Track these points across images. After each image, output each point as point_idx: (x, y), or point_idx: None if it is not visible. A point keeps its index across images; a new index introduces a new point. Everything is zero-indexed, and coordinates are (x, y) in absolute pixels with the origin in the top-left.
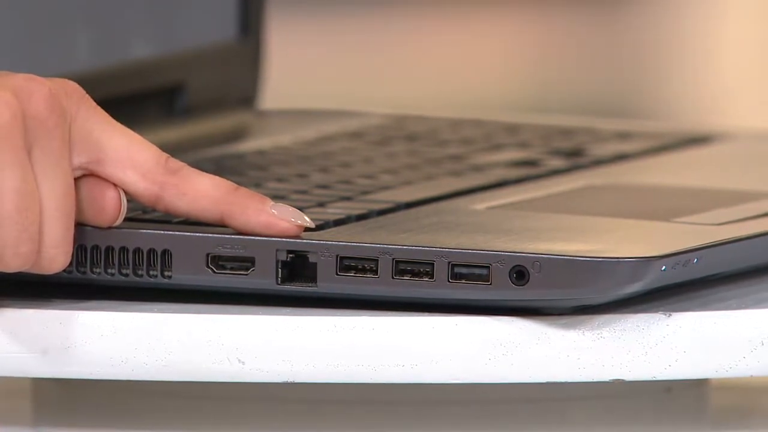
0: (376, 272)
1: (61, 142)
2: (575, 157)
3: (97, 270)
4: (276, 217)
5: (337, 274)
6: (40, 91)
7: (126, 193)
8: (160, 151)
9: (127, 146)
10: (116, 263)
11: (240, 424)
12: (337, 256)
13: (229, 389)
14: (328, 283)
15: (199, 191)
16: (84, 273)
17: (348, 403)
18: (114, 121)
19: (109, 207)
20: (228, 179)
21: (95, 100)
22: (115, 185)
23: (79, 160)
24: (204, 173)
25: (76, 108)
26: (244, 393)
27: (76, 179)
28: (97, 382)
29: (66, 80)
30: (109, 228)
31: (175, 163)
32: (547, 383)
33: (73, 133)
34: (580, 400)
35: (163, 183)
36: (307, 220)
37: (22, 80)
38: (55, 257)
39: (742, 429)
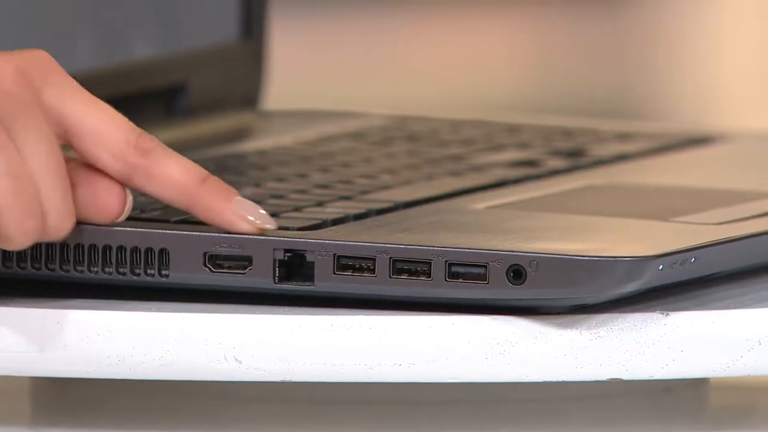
0: (373, 271)
1: (38, 114)
2: (575, 157)
3: (95, 269)
4: (239, 217)
5: (335, 273)
6: (5, 70)
7: (98, 167)
8: (132, 127)
9: (99, 122)
10: (114, 262)
11: (237, 423)
12: (334, 255)
13: (226, 388)
14: (325, 282)
15: (168, 177)
16: (81, 272)
17: (344, 402)
18: (85, 92)
19: (114, 204)
20: (226, 179)
21: None
22: (121, 185)
23: (54, 129)
24: (175, 155)
25: (44, 77)
26: (241, 392)
27: (79, 174)
28: (94, 381)
29: (35, 51)
30: (111, 225)
31: (148, 141)
32: (545, 383)
33: (45, 102)
34: (578, 400)
35: (133, 164)
36: (271, 223)
37: None
38: (61, 224)
39: (741, 429)
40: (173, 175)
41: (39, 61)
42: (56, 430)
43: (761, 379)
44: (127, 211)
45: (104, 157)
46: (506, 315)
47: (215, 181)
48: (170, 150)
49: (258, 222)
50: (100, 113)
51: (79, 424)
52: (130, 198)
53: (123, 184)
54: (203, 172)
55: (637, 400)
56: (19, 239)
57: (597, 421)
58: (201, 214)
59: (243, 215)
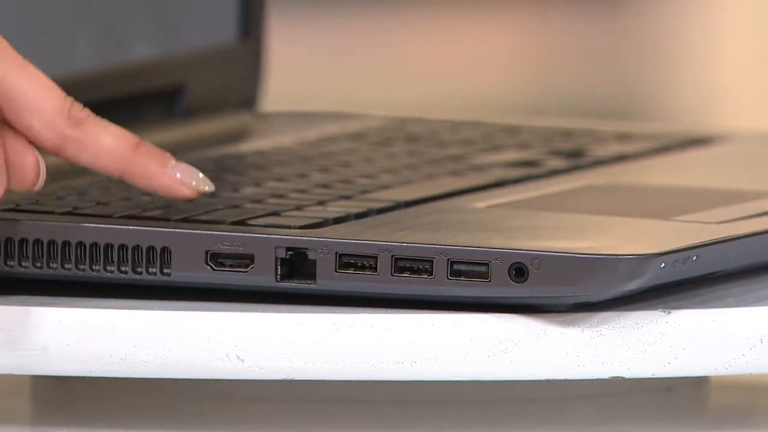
0: (375, 269)
1: None
2: (575, 157)
3: (97, 267)
4: (176, 181)
5: (337, 272)
6: None
7: (28, 137)
8: (65, 97)
9: (35, 91)
10: (115, 260)
11: (239, 421)
12: (336, 253)
13: (228, 387)
14: (327, 281)
15: (101, 147)
16: (83, 270)
17: (346, 401)
18: (19, 57)
19: (29, 173)
20: (226, 178)
21: (96, 101)
22: (34, 150)
23: None
24: (108, 125)
25: None
26: (244, 391)
27: None
28: (96, 380)
29: None
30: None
31: (80, 112)
32: (547, 381)
33: None
34: (580, 399)
35: (65, 136)
36: (209, 184)
37: None
38: None
39: (742, 428)
40: (105, 144)
41: None
42: (58, 429)
43: (762, 377)
44: (41, 181)
45: (36, 127)
46: (508, 313)
47: (149, 147)
48: (102, 120)
49: (195, 184)
50: (35, 81)
51: (81, 423)
52: (44, 168)
53: (54, 154)
54: (135, 138)
55: (637, 399)
56: None
57: (598, 419)
58: (137, 181)
59: (180, 179)
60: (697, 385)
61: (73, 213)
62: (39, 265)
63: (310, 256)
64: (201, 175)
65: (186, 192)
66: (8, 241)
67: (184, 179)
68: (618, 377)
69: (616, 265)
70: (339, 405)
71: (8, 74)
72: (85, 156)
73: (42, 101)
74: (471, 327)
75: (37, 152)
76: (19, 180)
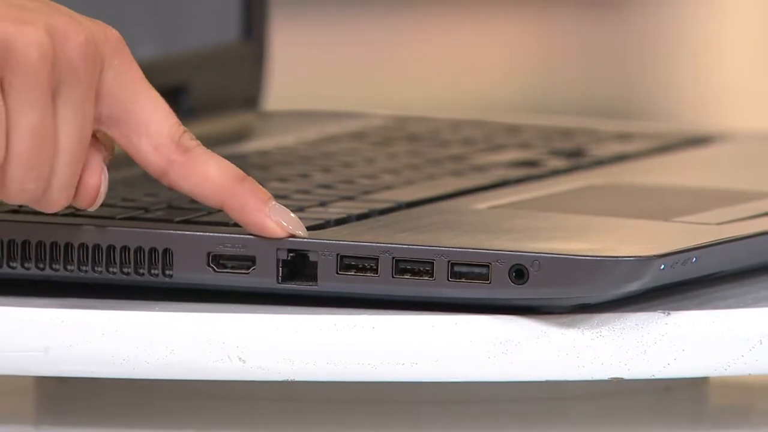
0: (376, 271)
1: (88, 90)
2: (575, 157)
3: (99, 269)
4: (271, 221)
5: (338, 273)
6: (76, 38)
7: (135, 159)
8: (178, 123)
9: (149, 114)
10: (118, 262)
11: (240, 422)
12: (337, 254)
13: (230, 388)
14: (328, 282)
15: (205, 176)
16: (85, 272)
17: (347, 402)
18: (144, 80)
19: (89, 193)
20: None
21: None
22: (103, 174)
23: (101, 110)
24: (215, 156)
25: (110, 57)
26: (245, 391)
27: None
28: (98, 381)
29: (107, 26)
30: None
31: (189, 141)
32: (547, 382)
33: (102, 83)
34: (579, 400)
35: (171, 161)
36: (302, 229)
37: (60, 22)
38: (57, 200)
39: (741, 428)
40: (209, 174)
41: (109, 40)
42: (60, 430)
43: (761, 378)
44: (97, 203)
45: (145, 149)
46: (508, 314)
47: (252, 183)
48: (210, 151)
49: (290, 228)
50: (152, 105)
51: (83, 424)
52: (104, 190)
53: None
54: (241, 173)
55: (637, 400)
56: (15, 194)
57: (597, 420)
58: (233, 214)
59: (276, 219)
60: (696, 385)
61: (75, 214)
62: (41, 266)
63: (312, 257)
64: (294, 216)
65: (279, 232)
66: (11, 242)
67: (280, 220)
68: (618, 378)
69: (616, 267)
70: (340, 405)
71: (127, 95)
72: (187, 183)
73: (155, 124)
74: (471, 328)
75: (105, 176)
76: (77, 197)
